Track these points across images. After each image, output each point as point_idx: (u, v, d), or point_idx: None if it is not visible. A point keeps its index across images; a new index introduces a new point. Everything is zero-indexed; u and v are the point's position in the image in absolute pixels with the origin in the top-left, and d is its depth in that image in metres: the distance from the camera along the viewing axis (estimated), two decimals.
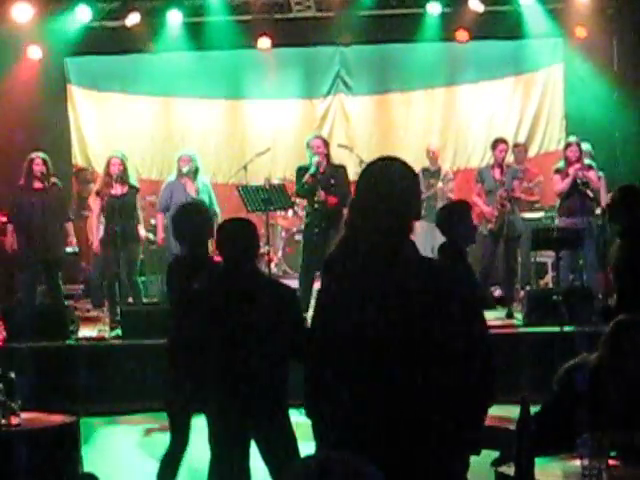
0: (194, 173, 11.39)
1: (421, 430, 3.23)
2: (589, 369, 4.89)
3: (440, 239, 12.10)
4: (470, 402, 3.31)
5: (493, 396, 3.37)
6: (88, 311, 12.31)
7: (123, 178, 11.18)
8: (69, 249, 11.98)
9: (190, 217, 6.30)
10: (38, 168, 11.06)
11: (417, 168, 13.12)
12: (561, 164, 11.49)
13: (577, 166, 11.22)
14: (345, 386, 3.28)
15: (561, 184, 11.32)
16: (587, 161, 11.43)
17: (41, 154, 11.19)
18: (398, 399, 3.22)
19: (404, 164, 3.47)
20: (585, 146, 11.70)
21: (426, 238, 11.89)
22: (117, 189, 11.15)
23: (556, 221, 11.54)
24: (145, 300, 11.78)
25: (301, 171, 11.12)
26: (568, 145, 11.56)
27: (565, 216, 11.32)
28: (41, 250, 11.06)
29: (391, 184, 3.37)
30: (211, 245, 6.16)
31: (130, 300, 11.49)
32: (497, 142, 11.64)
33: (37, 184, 11.12)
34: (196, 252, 6.18)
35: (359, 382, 3.26)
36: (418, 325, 3.23)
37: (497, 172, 11.48)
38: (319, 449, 3.42)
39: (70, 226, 11.52)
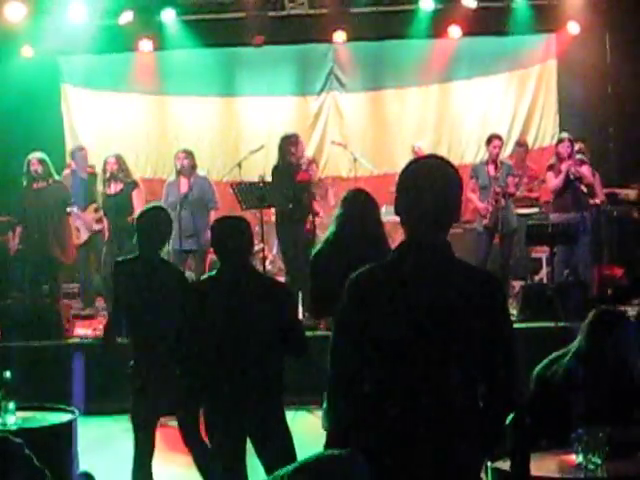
0: (191, 168, 11.38)
1: (448, 427, 3.27)
2: (567, 361, 4.94)
3: None
4: (494, 405, 3.36)
5: (515, 402, 3.40)
6: (83, 309, 12.30)
7: (117, 176, 11.18)
8: None
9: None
10: (34, 168, 11.10)
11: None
12: (553, 160, 11.52)
13: (569, 162, 11.24)
14: (377, 385, 3.33)
15: (554, 180, 11.33)
16: (579, 156, 11.44)
17: (38, 154, 11.21)
18: (432, 397, 3.26)
19: (449, 164, 3.46)
20: (578, 145, 11.72)
21: None
22: (111, 188, 11.18)
23: (551, 216, 11.54)
24: None
25: (278, 170, 11.17)
26: (560, 141, 11.59)
27: (559, 212, 11.33)
28: (41, 249, 11.08)
29: (443, 184, 3.38)
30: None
31: None
32: (491, 138, 11.66)
33: (35, 184, 11.16)
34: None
35: (392, 381, 3.30)
36: (457, 327, 3.27)
37: (491, 168, 11.50)
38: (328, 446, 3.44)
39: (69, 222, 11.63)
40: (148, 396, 6.08)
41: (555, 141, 12.84)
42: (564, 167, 11.22)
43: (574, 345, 5.05)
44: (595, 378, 4.79)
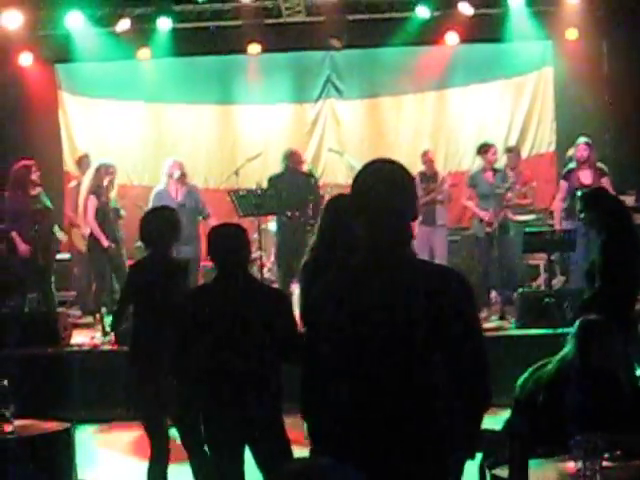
0: (184, 177, 11.43)
1: (418, 431, 3.25)
2: (554, 369, 4.97)
3: (438, 242, 12.18)
4: (467, 403, 3.34)
5: (490, 397, 3.38)
6: (80, 317, 12.28)
7: (114, 185, 11.25)
8: (63, 255, 11.94)
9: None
10: (36, 175, 11.07)
11: (412, 173, 13.15)
12: (572, 165, 11.39)
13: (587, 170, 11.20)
14: (344, 388, 3.31)
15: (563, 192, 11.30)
16: (600, 165, 11.39)
17: (34, 162, 11.19)
18: (397, 400, 3.24)
19: (400, 165, 3.47)
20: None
21: (424, 242, 11.93)
22: (109, 197, 11.20)
23: (563, 223, 11.43)
24: None
25: (273, 180, 11.25)
26: (579, 145, 11.40)
27: (566, 219, 11.27)
28: (36, 257, 11.04)
29: (392, 185, 3.38)
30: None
31: None
32: (489, 146, 11.71)
33: (34, 191, 11.11)
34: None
35: (358, 384, 3.28)
36: (421, 326, 3.25)
37: (489, 175, 11.52)
38: (313, 452, 3.43)
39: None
40: None
41: (552, 148, 12.83)
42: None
43: (560, 355, 5.09)
44: (581, 387, 4.81)
